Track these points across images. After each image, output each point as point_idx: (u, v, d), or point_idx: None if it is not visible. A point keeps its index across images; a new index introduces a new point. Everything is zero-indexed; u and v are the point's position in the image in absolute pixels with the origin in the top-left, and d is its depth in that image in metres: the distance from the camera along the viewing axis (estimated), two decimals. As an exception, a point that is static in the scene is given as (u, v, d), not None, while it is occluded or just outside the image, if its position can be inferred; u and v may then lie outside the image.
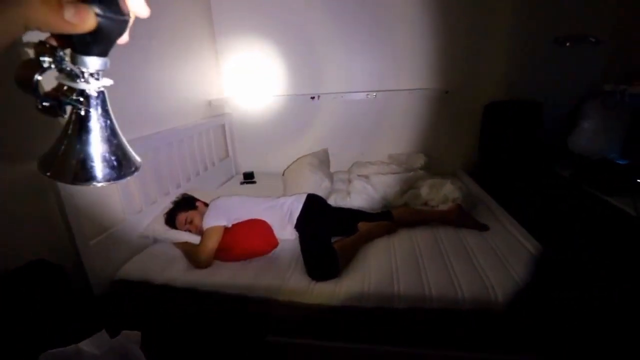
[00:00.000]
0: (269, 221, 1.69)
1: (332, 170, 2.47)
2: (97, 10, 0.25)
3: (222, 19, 2.47)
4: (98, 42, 0.27)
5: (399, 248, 1.63)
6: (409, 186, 2.12)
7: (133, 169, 0.33)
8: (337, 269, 1.44)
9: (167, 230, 1.70)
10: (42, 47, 0.27)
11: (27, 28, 0.25)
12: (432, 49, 2.33)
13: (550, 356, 1.21)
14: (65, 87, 0.28)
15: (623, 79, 1.99)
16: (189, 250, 1.60)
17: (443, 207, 1.93)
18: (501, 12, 2.21)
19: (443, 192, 1.99)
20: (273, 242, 1.56)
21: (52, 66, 0.27)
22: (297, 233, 1.68)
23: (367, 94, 2.44)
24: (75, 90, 0.28)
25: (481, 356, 1.21)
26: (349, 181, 2.31)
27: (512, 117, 2.24)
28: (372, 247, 1.64)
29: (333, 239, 1.63)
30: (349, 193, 2.14)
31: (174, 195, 1.87)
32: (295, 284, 1.41)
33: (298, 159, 2.45)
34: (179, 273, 1.48)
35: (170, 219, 1.70)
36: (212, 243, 1.56)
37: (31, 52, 0.28)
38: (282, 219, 1.71)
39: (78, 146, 0.29)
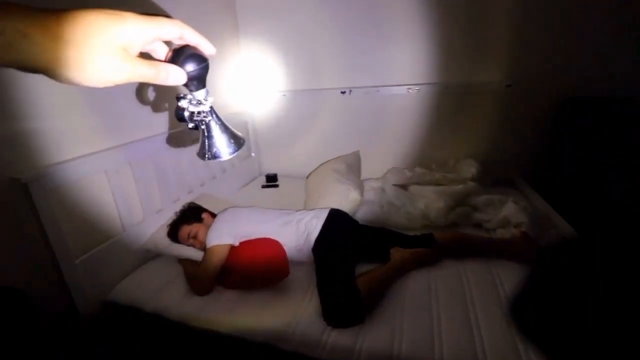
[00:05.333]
0: (282, 241, 1.42)
1: (362, 176, 2.13)
2: (189, 68, 0.39)
3: (246, 11, 2.21)
4: (197, 82, 0.42)
5: (443, 288, 1.27)
6: (457, 202, 1.73)
7: (242, 142, 0.48)
8: (359, 314, 1.14)
9: (171, 244, 1.50)
10: (180, 98, 0.44)
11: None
12: (489, 34, 1.88)
13: None
14: (195, 112, 0.45)
15: None
16: (188, 272, 1.38)
17: (503, 233, 1.52)
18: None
19: (503, 214, 1.57)
20: (283, 271, 1.29)
21: (188, 104, 0.44)
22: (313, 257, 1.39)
23: (408, 88, 2.05)
24: (200, 112, 0.45)
25: None
26: (382, 191, 1.96)
27: (601, 116, 1.73)
28: (406, 284, 1.31)
29: (358, 267, 1.33)
30: (381, 207, 1.80)
31: (185, 201, 1.67)
32: (306, 329, 1.12)
33: (323, 163, 2.14)
34: (173, 300, 1.26)
35: (173, 232, 1.49)
36: (213, 266, 1.32)
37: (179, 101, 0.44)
38: (298, 239, 1.43)
39: (211, 140, 0.46)
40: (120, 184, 1.39)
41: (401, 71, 2.06)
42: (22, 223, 1.09)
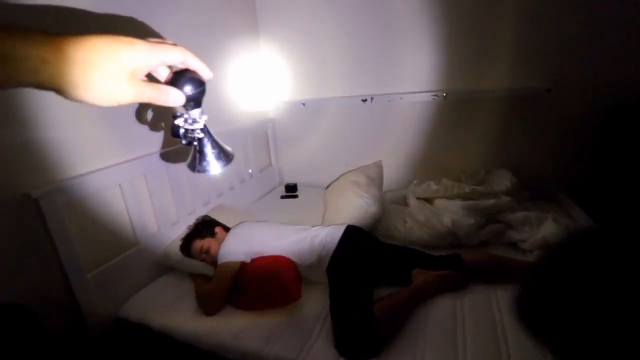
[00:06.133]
0: (296, 259, 1.34)
1: (384, 188, 2.02)
2: (188, 90, 0.43)
3: (266, 18, 2.18)
4: (194, 102, 0.44)
5: (471, 317, 1.14)
6: (488, 218, 1.57)
7: (231, 157, 0.51)
8: (375, 346, 1.03)
9: (184, 258, 1.48)
10: (176, 117, 0.47)
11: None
12: (528, 35, 1.72)
13: None
14: (186, 130, 0.47)
15: None
16: (199, 290, 1.34)
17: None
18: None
19: (542, 234, 1.40)
20: (294, 293, 1.21)
21: (183, 122, 0.46)
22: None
23: (434, 95, 1.92)
24: (194, 129, 0.47)
25: None
26: (405, 204, 1.84)
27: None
28: (429, 311, 1.18)
29: (376, 290, 1.22)
30: (404, 222, 1.68)
31: (200, 214, 1.65)
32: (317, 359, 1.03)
33: (343, 174, 2.05)
34: (181, 319, 1.22)
35: (186, 247, 1.46)
36: (224, 284, 1.27)
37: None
38: (312, 257, 1.34)
39: (202, 155, 0.49)
40: (134, 197, 1.38)
41: (427, 77, 1.94)
42: (35, 238, 1.09)
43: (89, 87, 0.33)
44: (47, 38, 0.31)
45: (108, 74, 0.34)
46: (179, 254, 1.47)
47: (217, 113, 1.88)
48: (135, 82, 0.36)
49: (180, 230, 1.58)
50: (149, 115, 1.40)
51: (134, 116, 1.38)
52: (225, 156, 0.50)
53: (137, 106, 1.36)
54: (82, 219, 1.22)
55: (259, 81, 2.27)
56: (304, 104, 2.25)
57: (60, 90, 0.33)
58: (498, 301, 1.19)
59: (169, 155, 1.53)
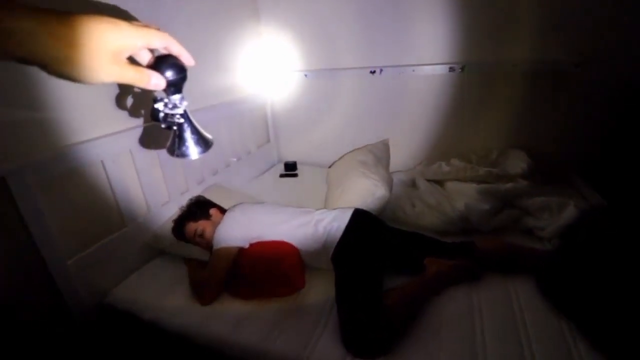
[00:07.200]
0: (298, 245, 1.24)
1: (391, 168, 1.89)
2: (169, 75, 0.43)
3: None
4: (175, 88, 0.45)
5: (488, 311, 1.05)
6: (503, 202, 1.47)
7: (210, 143, 0.51)
8: (386, 341, 0.94)
9: (176, 241, 1.36)
10: (157, 100, 0.46)
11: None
12: (557, 2, 1.54)
13: None
14: (165, 114, 0.47)
15: None
16: (193, 276, 1.24)
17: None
18: None
19: (563, 220, 1.30)
20: (298, 282, 1.11)
21: (163, 107, 0.46)
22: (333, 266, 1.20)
23: (451, 67, 1.76)
24: (174, 114, 0.47)
25: None
26: (414, 186, 1.72)
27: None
28: (443, 304, 1.09)
29: (385, 281, 1.13)
30: (412, 205, 1.57)
31: (193, 194, 1.52)
32: (322, 356, 0.95)
33: (348, 153, 1.92)
34: (173, 309, 1.12)
35: (178, 229, 1.34)
36: (220, 271, 1.17)
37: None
38: (316, 243, 1.24)
39: (180, 140, 0.49)
40: (120, 175, 1.24)
41: (443, 48, 1.76)
42: (5, 222, 0.96)
43: (74, 64, 0.33)
44: (33, 13, 0.31)
45: (92, 52, 0.34)
46: (171, 237, 1.36)
47: (209, 86, 1.70)
48: (119, 62, 0.37)
49: (172, 211, 1.46)
50: (129, 101, 1.24)
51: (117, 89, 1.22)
52: (204, 142, 0.50)
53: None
54: (60, 199, 1.08)
55: (256, 50, 2.08)
56: (306, 75, 2.07)
57: (44, 66, 0.33)
58: (518, 295, 1.10)
59: (158, 128, 1.37)
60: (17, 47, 0.30)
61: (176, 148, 0.49)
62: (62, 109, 1.07)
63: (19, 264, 1.01)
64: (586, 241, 1.18)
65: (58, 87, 1.03)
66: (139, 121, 1.32)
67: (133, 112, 1.26)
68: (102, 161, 1.17)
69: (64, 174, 1.08)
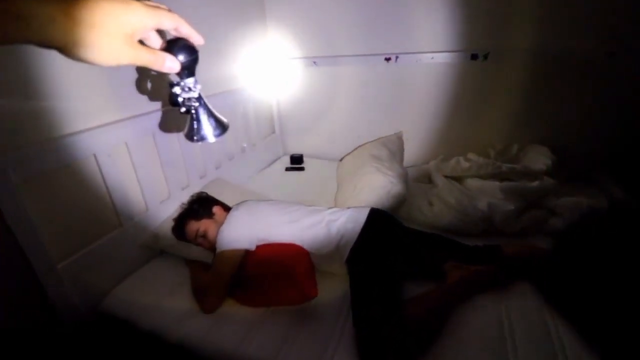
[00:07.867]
0: (308, 246, 1.14)
1: (405, 163, 1.78)
2: (182, 58, 0.42)
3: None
4: (188, 71, 0.45)
5: (520, 323, 0.96)
6: (528, 202, 1.36)
7: (226, 126, 0.51)
8: (407, 356, 0.85)
9: (176, 241, 1.27)
10: (173, 85, 0.47)
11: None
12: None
13: None
14: (184, 98, 0.47)
15: None
16: (195, 280, 1.14)
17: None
18: None
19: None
20: (310, 290, 1.01)
21: (180, 90, 0.46)
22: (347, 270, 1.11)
23: (473, 54, 1.63)
24: (190, 98, 0.47)
25: None
26: (431, 184, 1.61)
27: None
28: (468, 314, 1.00)
29: (404, 288, 1.03)
30: (430, 204, 1.46)
31: (195, 189, 1.42)
32: (339, 374, 0.86)
33: (360, 146, 1.80)
34: (173, 317, 1.03)
35: (179, 229, 1.25)
36: (225, 276, 1.07)
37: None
38: (329, 245, 1.14)
39: (199, 124, 0.49)
40: (115, 170, 1.14)
41: (463, 33, 1.62)
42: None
43: (93, 47, 0.33)
44: None
45: (109, 33, 0.34)
46: (171, 236, 1.26)
47: (210, 73, 1.58)
48: (134, 44, 0.37)
49: (172, 208, 1.36)
50: (122, 89, 1.13)
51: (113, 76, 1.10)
52: (221, 125, 0.51)
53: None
54: (48, 198, 0.98)
55: (261, 36, 1.94)
56: (315, 62, 1.94)
57: (64, 49, 0.33)
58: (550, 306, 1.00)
59: (156, 118, 1.26)
60: (37, 32, 0.30)
61: (195, 132, 0.49)
62: (50, 97, 0.96)
63: (5, 269, 0.91)
64: (585, 241, 1.16)
65: (44, 73, 0.91)
66: (135, 110, 1.21)
67: (128, 101, 1.15)
68: (94, 155, 1.06)
69: (52, 169, 0.97)
